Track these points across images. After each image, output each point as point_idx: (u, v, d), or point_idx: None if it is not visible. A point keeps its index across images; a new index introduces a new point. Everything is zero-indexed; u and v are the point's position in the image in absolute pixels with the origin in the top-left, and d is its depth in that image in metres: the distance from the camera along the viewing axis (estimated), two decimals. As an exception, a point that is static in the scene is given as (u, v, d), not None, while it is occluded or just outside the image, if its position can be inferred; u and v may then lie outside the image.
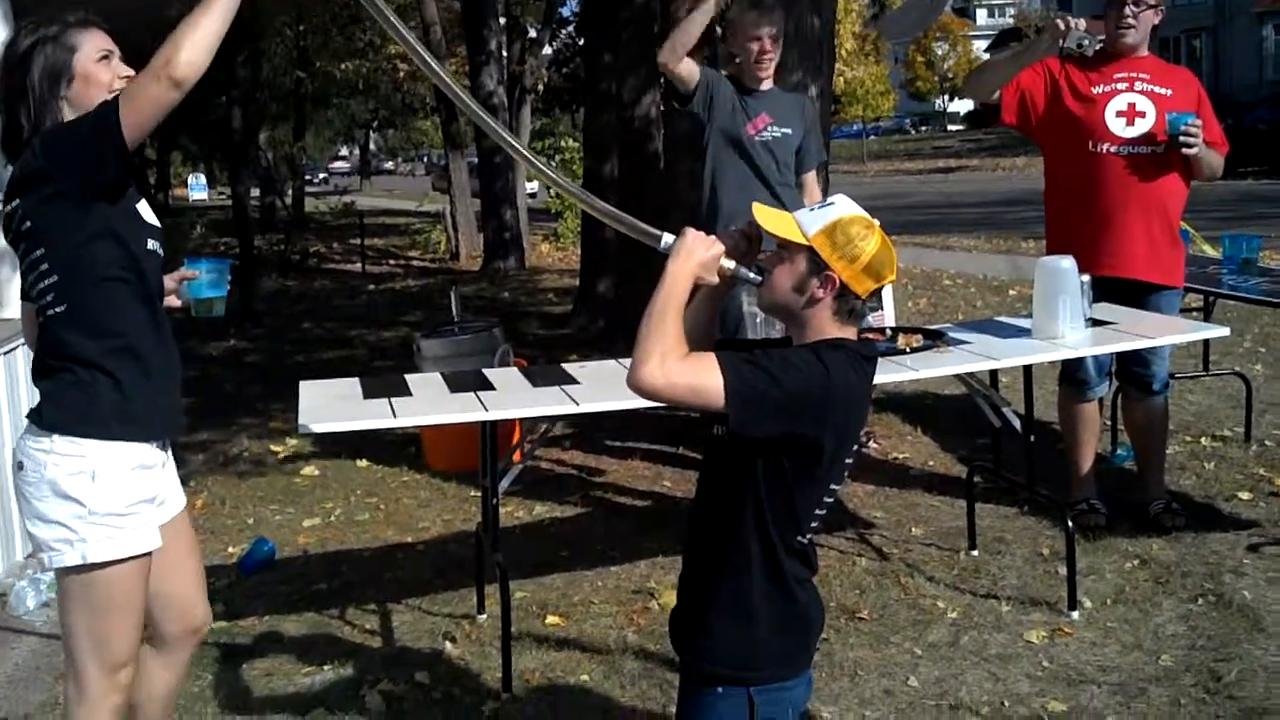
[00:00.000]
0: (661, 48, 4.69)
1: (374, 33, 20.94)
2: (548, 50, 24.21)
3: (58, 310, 2.48)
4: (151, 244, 2.60)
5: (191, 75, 2.30)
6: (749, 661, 2.15)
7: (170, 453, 2.73)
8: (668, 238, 2.18)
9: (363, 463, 6.28)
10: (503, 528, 4.26)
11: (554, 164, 19.18)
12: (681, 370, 2.00)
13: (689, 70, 4.65)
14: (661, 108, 9.39)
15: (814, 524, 2.17)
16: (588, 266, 10.98)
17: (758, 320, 4.68)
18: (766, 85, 4.82)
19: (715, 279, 2.15)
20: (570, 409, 3.71)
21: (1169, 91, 4.46)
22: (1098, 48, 4.38)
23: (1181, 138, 4.31)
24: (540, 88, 21.91)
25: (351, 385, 4.03)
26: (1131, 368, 4.70)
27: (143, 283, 2.55)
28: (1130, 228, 4.46)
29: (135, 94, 2.34)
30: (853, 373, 2.10)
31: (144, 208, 2.62)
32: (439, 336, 6.36)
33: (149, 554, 2.55)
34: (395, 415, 3.62)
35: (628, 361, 4.20)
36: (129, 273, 2.51)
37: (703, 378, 2.00)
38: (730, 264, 2.16)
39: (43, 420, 2.48)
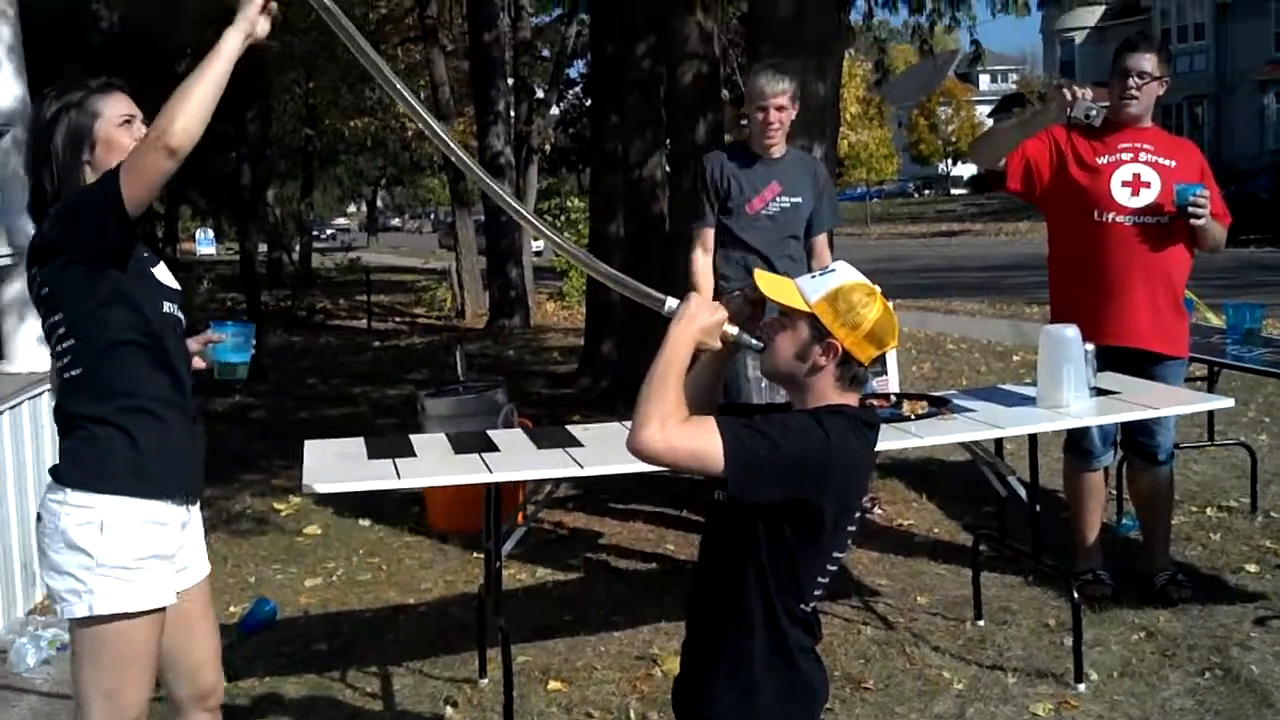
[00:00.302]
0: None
1: (383, 91, 21.14)
2: (555, 111, 24.49)
3: (74, 373, 2.54)
4: (168, 307, 2.63)
5: (187, 143, 2.35)
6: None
7: (197, 516, 2.75)
8: (671, 302, 2.20)
9: (366, 522, 6.26)
10: (505, 590, 4.24)
11: (559, 224, 19.35)
12: (681, 434, 2.00)
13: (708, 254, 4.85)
14: (667, 169, 9.46)
15: (817, 591, 2.16)
16: (592, 326, 11.01)
17: (763, 385, 4.68)
18: (778, 152, 4.84)
19: (718, 344, 2.16)
20: (574, 471, 3.71)
21: (1173, 162, 4.50)
22: (1104, 118, 4.41)
23: (1190, 208, 4.33)
24: (547, 148, 22.12)
25: (356, 445, 4.03)
26: (1137, 438, 4.70)
27: (159, 345, 2.58)
28: (1135, 297, 4.48)
29: (134, 164, 2.39)
30: (854, 439, 2.10)
31: (161, 271, 2.66)
32: (444, 395, 6.36)
33: (161, 610, 2.56)
34: (400, 476, 3.62)
35: (630, 424, 4.21)
36: (144, 336, 2.55)
37: (702, 442, 2.00)
38: (733, 330, 2.17)
39: (60, 476, 2.53)
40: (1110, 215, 4.46)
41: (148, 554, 2.53)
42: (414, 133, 20.18)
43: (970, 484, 6.05)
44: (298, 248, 26.76)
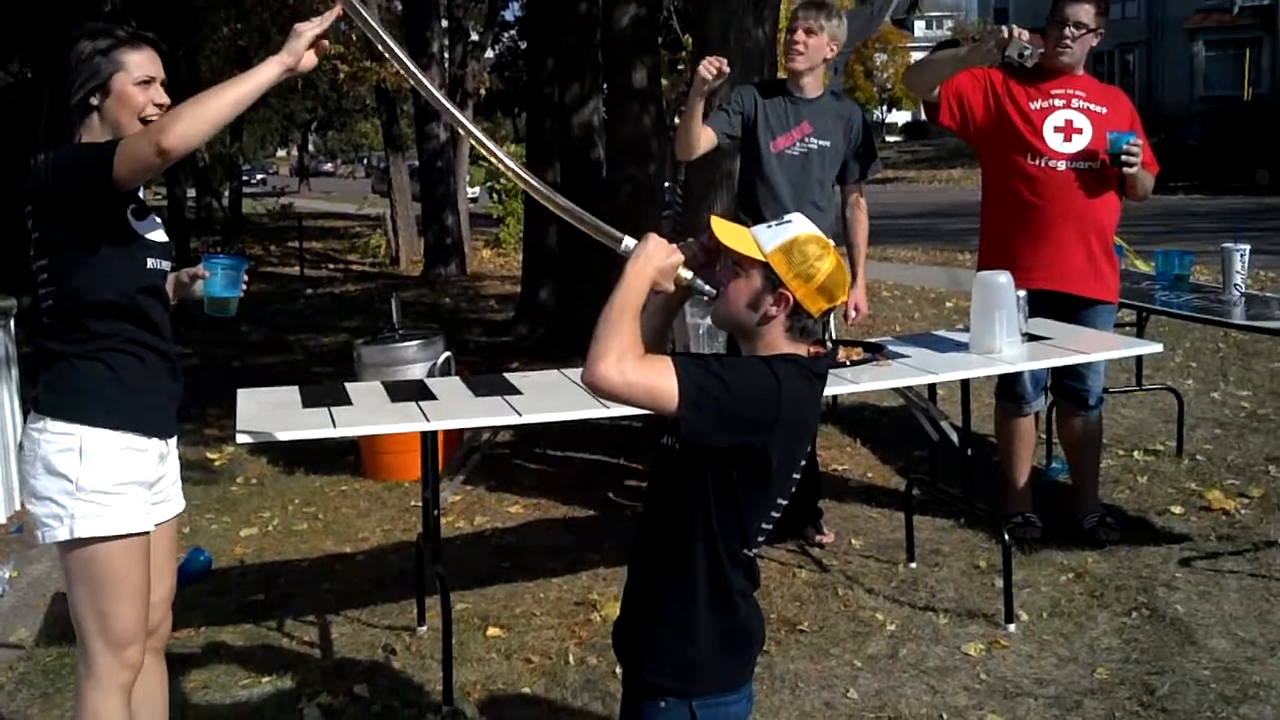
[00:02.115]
0: (675, 146, 4.56)
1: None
2: (490, 54, 24.15)
3: (56, 316, 2.58)
4: (152, 263, 2.67)
5: (180, 149, 2.38)
6: (692, 674, 2.15)
7: (174, 453, 2.82)
8: (629, 241, 2.20)
9: (301, 471, 6.22)
10: (443, 538, 4.23)
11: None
12: (638, 370, 2.00)
13: (708, 143, 4.52)
14: (604, 114, 9.41)
15: (760, 538, 2.18)
16: (530, 274, 10.97)
17: (700, 332, 4.69)
18: (814, 91, 4.65)
19: (671, 287, 2.16)
20: (513, 419, 3.69)
21: (1104, 109, 4.55)
22: (1037, 60, 4.38)
23: (1124, 156, 4.38)
24: (482, 92, 21.83)
25: (290, 393, 3.98)
26: (1066, 382, 4.78)
27: (139, 301, 2.63)
28: (1067, 242, 4.53)
29: (127, 147, 2.42)
30: (803, 387, 2.11)
31: (148, 225, 2.69)
32: (379, 343, 6.30)
33: (145, 535, 2.63)
34: (335, 425, 3.59)
35: (571, 371, 4.22)
36: (125, 295, 2.60)
37: (657, 379, 2.01)
38: (687, 274, 2.17)
39: (39, 405, 2.59)
40: (1043, 160, 4.51)
41: (127, 479, 2.60)
42: (346, 75, 19.79)
43: (903, 429, 6.13)
44: (227, 193, 26.30)
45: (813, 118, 4.62)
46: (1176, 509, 5.02)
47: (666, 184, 5.57)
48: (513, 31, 25.00)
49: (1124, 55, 40.38)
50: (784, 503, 2.20)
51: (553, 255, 10.33)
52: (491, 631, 4.10)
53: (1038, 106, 4.54)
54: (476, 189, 26.41)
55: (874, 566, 4.59)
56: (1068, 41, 4.52)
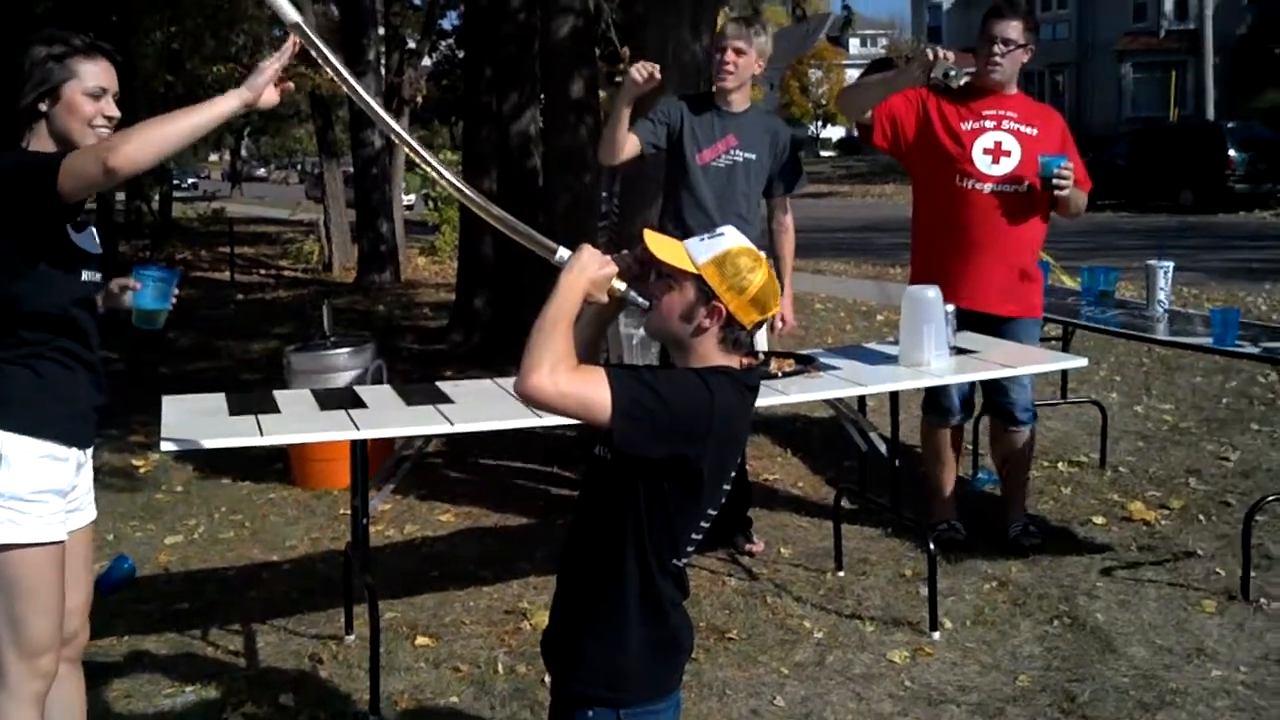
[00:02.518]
0: (600, 150, 4.57)
1: (248, 37, 20.52)
2: (427, 62, 24.03)
3: None
4: (87, 274, 2.65)
5: (127, 170, 2.38)
6: (620, 683, 2.16)
7: (89, 463, 2.78)
8: (563, 252, 2.20)
9: (228, 479, 6.15)
10: (372, 547, 4.20)
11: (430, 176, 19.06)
12: (571, 381, 2.01)
13: (632, 150, 4.52)
14: (541, 125, 9.40)
15: (690, 548, 2.20)
16: (464, 282, 10.92)
17: (634, 343, 4.71)
18: (741, 106, 4.67)
19: (605, 298, 2.17)
20: (444, 428, 3.68)
21: (1034, 130, 4.61)
22: (964, 80, 4.46)
23: (1055, 179, 4.45)
24: (419, 99, 21.73)
25: (217, 400, 3.93)
26: (994, 398, 4.86)
27: (68, 311, 2.60)
28: (988, 263, 4.60)
29: (74, 162, 2.39)
30: (735, 399, 2.13)
31: (85, 237, 2.67)
32: (310, 350, 6.25)
33: (59, 544, 2.59)
34: (262, 433, 3.55)
35: (504, 380, 4.21)
36: (54, 306, 2.57)
37: (590, 390, 2.01)
38: (621, 286, 2.18)
39: None
40: (970, 182, 4.56)
41: (45, 488, 2.56)
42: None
43: (833, 440, 6.19)
44: (157, 197, 25.91)
45: (739, 131, 4.65)
46: (1099, 519, 5.12)
47: (603, 194, 5.58)
48: (450, 40, 24.91)
49: (1054, 76, 41.12)
50: (714, 513, 2.22)
51: (488, 264, 10.30)
52: (420, 640, 4.08)
53: (968, 127, 4.59)
54: (412, 196, 26.29)
55: (802, 575, 4.63)
56: (997, 59, 4.57)
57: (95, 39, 2.64)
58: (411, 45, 22.05)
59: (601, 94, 5.24)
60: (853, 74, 59.62)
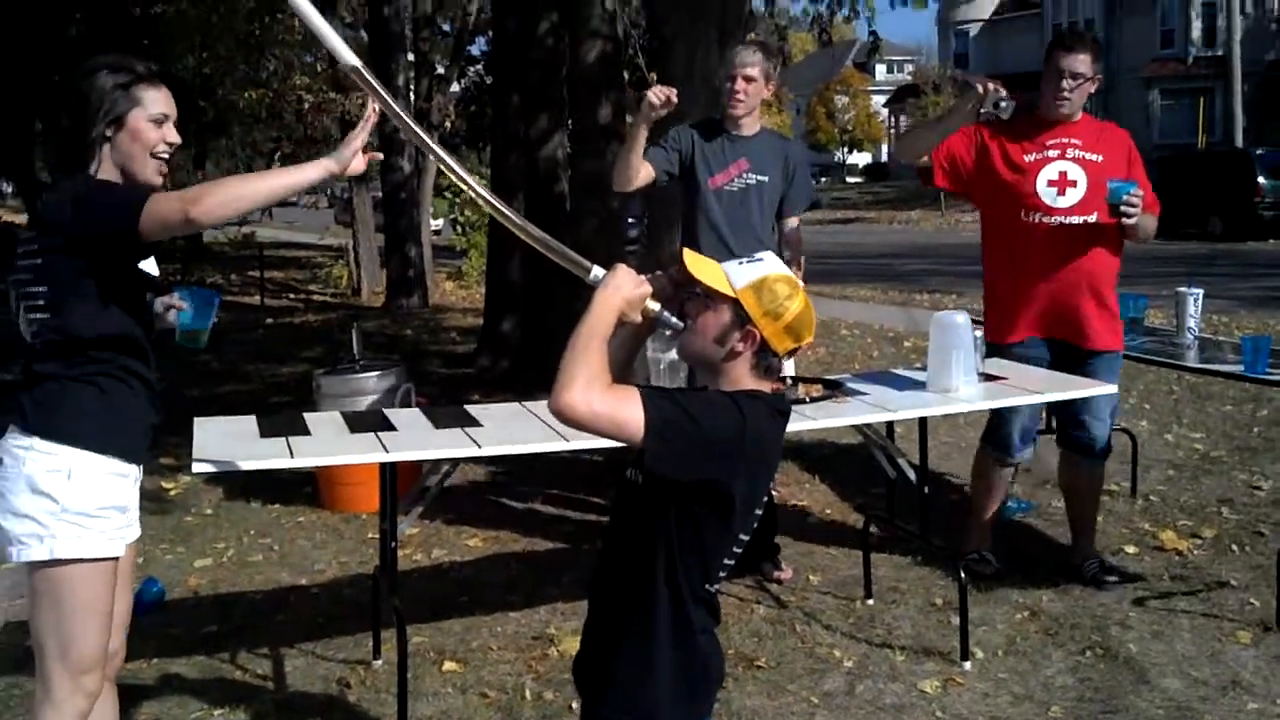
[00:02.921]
0: (614, 175, 4.58)
1: (279, 63, 20.71)
2: (455, 88, 24.21)
3: (47, 339, 2.60)
4: (148, 296, 2.77)
5: (207, 223, 2.51)
6: (652, 710, 2.15)
7: (141, 477, 2.82)
8: (597, 270, 2.20)
9: (257, 502, 6.17)
10: (400, 571, 4.20)
11: (458, 202, 19.15)
12: (604, 400, 2.00)
13: (646, 177, 4.55)
14: (568, 150, 9.45)
15: (722, 574, 2.19)
16: (492, 306, 10.95)
17: (661, 367, 4.70)
18: (751, 129, 4.71)
19: (639, 318, 2.17)
20: (473, 451, 3.69)
21: (1100, 157, 4.48)
22: (1012, 113, 4.36)
23: (1123, 207, 4.30)
24: (447, 125, 21.86)
25: (248, 422, 3.96)
26: (1071, 432, 4.75)
27: (132, 332, 2.66)
28: (1064, 298, 4.50)
29: (158, 206, 2.46)
30: (768, 424, 2.13)
31: (148, 262, 2.77)
32: (339, 374, 6.27)
33: (115, 560, 2.64)
34: (293, 455, 3.57)
35: (532, 404, 4.21)
36: (119, 326, 2.63)
37: (624, 410, 2.01)
38: (655, 306, 2.18)
39: (26, 423, 2.59)
40: (1037, 215, 4.46)
41: (109, 504, 2.61)
42: (311, 105, 19.75)
43: (861, 466, 6.15)
44: (188, 222, 26.05)
45: (750, 154, 4.69)
46: (1130, 549, 5.07)
47: (629, 219, 5.58)
48: (479, 66, 25.06)
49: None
50: (746, 538, 2.21)
51: (516, 288, 10.33)
52: (448, 666, 4.07)
53: (1032, 159, 4.48)
54: (440, 221, 26.39)
55: (831, 603, 4.60)
56: (1066, 94, 4.45)
57: (157, 68, 2.72)
58: (440, 71, 22.22)
59: (628, 119, 5.26)
60: (878, 99, 59.78)
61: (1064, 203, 4.45)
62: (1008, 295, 4.63)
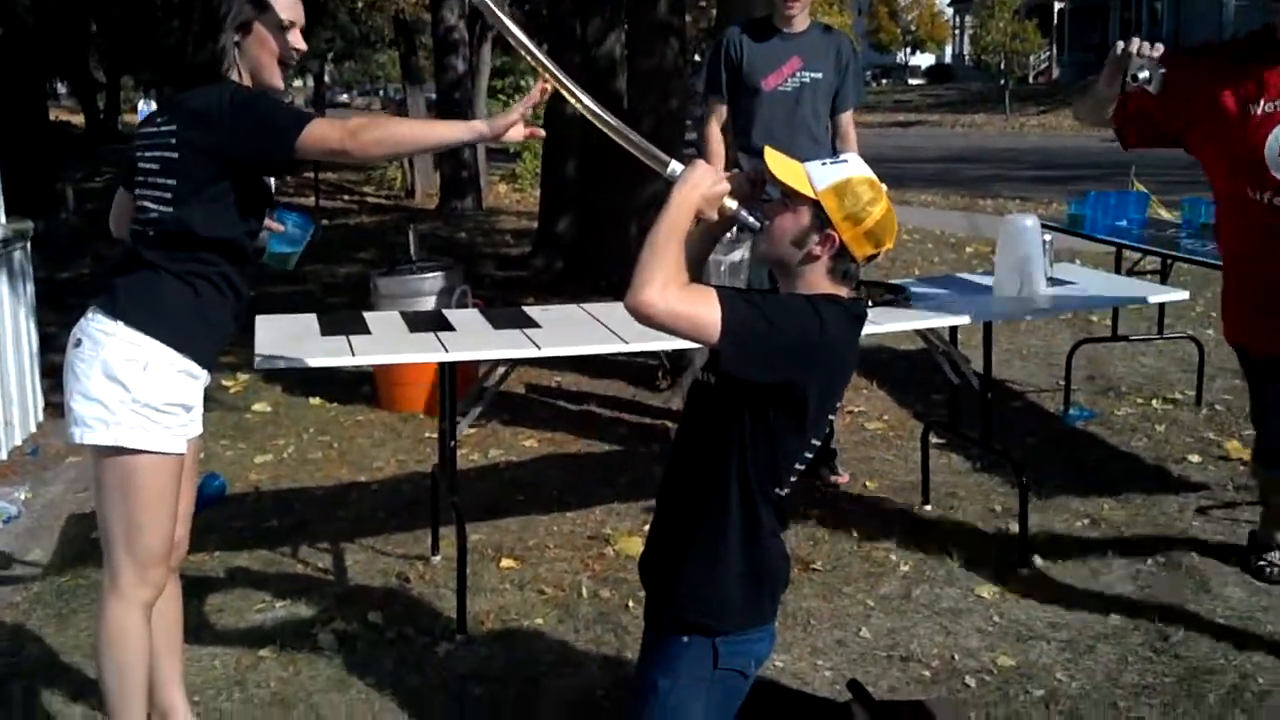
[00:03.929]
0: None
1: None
2: (510, -14, 23.86)
3: (159, 229, 2.59)
4: (265, 211, 2.80)
5: (359, 157, 2.61)
6: (718, 611, 2.14)
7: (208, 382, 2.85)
8: (675, 165, 2.15)
9: (316, 400, 6.22)
10: (458, 470, 4.22)
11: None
12: (682, 299, 1.97)
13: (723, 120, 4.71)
14: (625, 49, 9.30)
15: (793, 477, 2.16)
16: (547, 209, 10.90)
17: (722, 269, 4.64)
18: (802, 25, 4.62)
19: (715, 216, 2.12)
20: (531, 352, 3.68)
21: None
22: (1161, 87, 3.12)
23: None
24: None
25: (308, 321, 3.98)
26: None
27: (242, 241, 2.68)
28: None
29: (320, 130, 2.48)
30: (845, 328, 2.08)
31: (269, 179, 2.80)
32: (396, 275, 6.27)
33: (180, 456, 2.66)
34: (354, 354, 3.58)
35: (590, 306, 4.19)
36: (233, 234, 2.64)
37: (701, 309, 1.97)
38: (733, 204, 2.12)
39: (115, 307, 2.58)
40: (1267, 195, 3.25)
41: (177, 401, 2.63)
42: (364, 5, 19.57)
43: (920, 372, 6.10)
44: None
45: (802, 52, 4.61)
46: (1194, 458, 5.00)
47: (700, 112, 5.45)
48: (534, -37, 24.71)
49: (1152, 3, 39.79)
50: (818, 443, 2.18)
51: (570, 190, 10.26)
52: (505, 563, 4.11)
53: (1261, 110, 3.22)
54: (494, 123, 26.24)
55: (889, 508, 4.58)
56: None
57: None
58: (495, -31, 21.85)
59: (687, 17, 5.13)
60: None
61: None
62: (1243, 292, 3.53)
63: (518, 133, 2.56)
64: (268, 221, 2.94)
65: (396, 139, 2.54)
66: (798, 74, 4.60)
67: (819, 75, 4.62)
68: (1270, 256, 3.31)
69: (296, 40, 2.67)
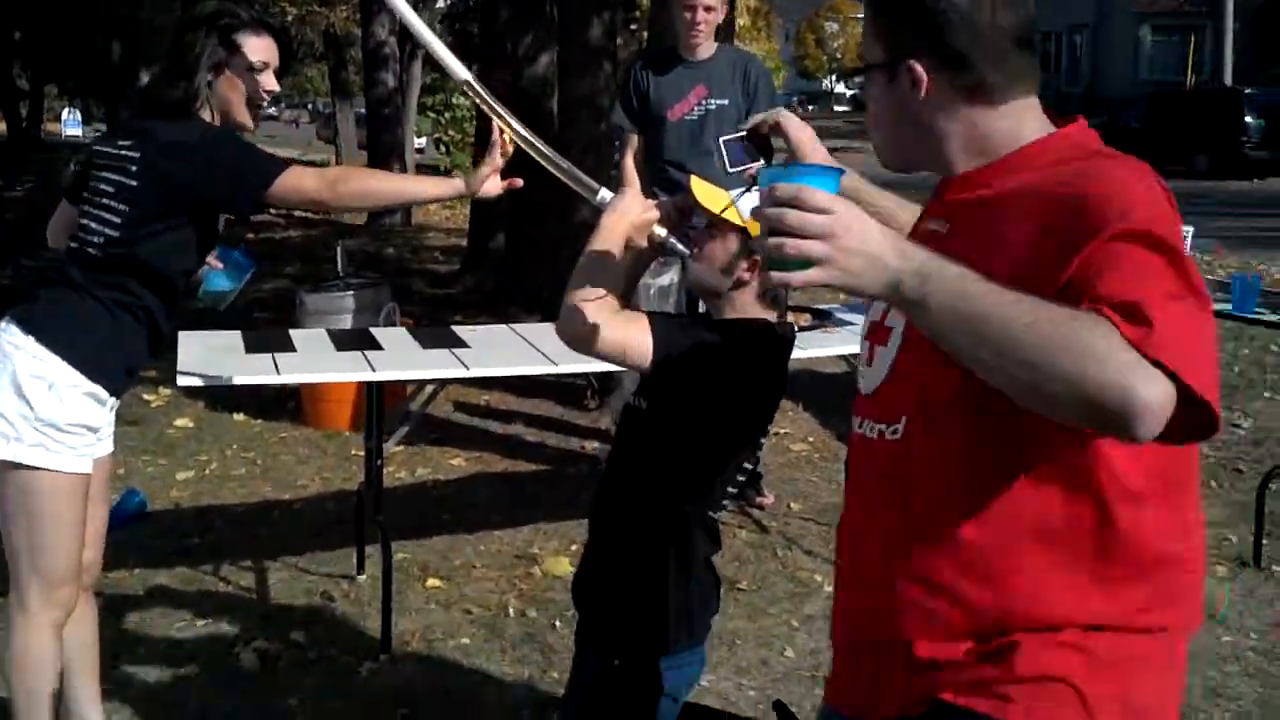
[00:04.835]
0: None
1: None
2: (442, 4, 23.83)
3: (99, 253, 2.55)
4: (208, 250, 2.79)
5: (336, 209, 2.72)
6: (654, 633, 2.14)
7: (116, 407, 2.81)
8: (605, 193, 2.16)
9: (240, 416, 6.15)
10: (384, 488, 4.20)
11: (443, 121, 18.97)
12: (612, 325, 1.96)
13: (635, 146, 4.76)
14: (557, 69, 9.32)
15: (724, 500, 2.19)
16: (477, 226, 10.87)
17: (651, 293, 4.68)
18: (707, 52, 4.64)
19: (645, 243, 2.13)
20: (460, 372, 3.68)
21: None
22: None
23: None
24: (433, 42, 21.48)
25: (233, 337, 3.93)
26: None
27: (179, 277, 2.68)
28: None
29: (298, 178, 2.49)
30: (773, 354, 2.11)
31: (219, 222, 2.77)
32: (323, 291, 6.23)
33: (84, 476, 2.62)
34: (279, 372, 3.56)
35: (519, 326, 4.19)
36: (177, 269, 2.64)
37: (633, 335, 1.98)
38: (661, 232, 2.14)
39: (30, 322, 2.55)
40: None
41: (81, 422, 2.58)
42: (295, 18, 19.43)
43: (843, 393, 6.15)
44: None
45: (707, 79, 4.65)
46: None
47: (617, 143, 5.50)
48: (466, -18, 24.69)
49: (1072, 36, 40.69)
50: (750, 467, 2.20)
51: (501, 209, 10.25)
52: (431, 582, 4.09)
53: None
54: (423, 139, 26.14)
55: (813, 529, 4.64)
56: None
57: (260, 13, 2.69)
58: (427, -14, 21.82)
59: (618, 40, 5.17)
60: (869, 28, 59.29)
61: None
62: None
63: (495, 185, 2.56)
64: (209, 259, 2.92)
65: (378, 195, 2.55)
66: (703, 102, 4.64)
67: (724, 102, 4.64)
68: None
69: (268, 82, 2.65)
